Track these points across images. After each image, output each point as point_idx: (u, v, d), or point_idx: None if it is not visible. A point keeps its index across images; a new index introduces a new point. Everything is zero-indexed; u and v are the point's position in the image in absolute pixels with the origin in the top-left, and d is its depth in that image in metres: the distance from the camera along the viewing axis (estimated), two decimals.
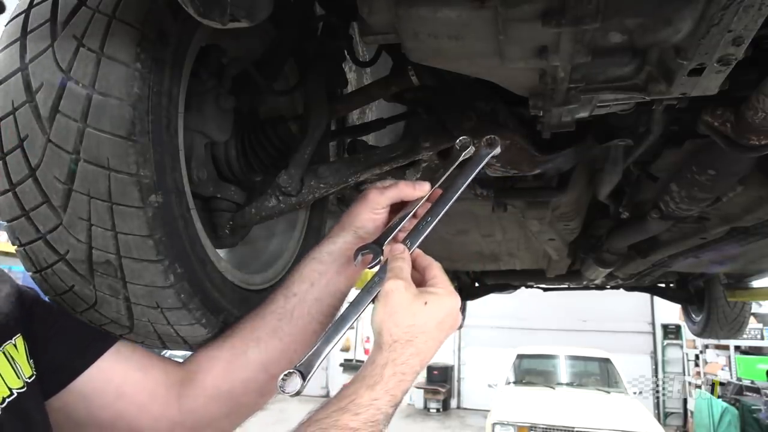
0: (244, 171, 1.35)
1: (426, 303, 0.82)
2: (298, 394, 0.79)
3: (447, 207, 0.98)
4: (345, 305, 0.94)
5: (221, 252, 1.25)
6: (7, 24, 0.94)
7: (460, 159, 1.04)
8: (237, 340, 0.99)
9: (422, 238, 0.95)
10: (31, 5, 0.91)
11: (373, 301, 0.88)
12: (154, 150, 0.91)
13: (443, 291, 0.84)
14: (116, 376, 0.92)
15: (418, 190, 1.00)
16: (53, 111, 0.86)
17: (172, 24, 0.94)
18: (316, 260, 1.03)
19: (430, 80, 1.36)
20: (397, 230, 0.97)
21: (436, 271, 0.88)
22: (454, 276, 5.18)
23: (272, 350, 0.97)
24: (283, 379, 0.81)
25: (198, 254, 1.04)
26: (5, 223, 0.92)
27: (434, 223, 0.96)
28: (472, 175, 1.02)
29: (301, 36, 1.34)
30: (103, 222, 0.89)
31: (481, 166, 1.03)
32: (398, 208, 1.03)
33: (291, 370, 0.81)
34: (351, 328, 0.89)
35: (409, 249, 0.92)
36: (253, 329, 0.99)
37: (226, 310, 1.11)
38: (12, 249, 0.94)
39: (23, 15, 0.91)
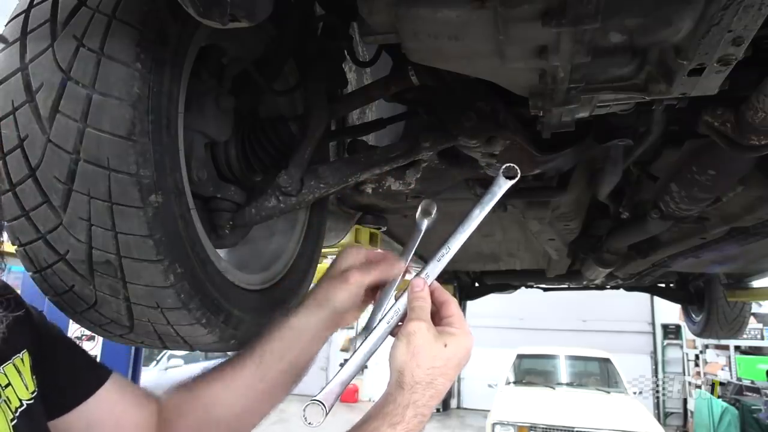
0: (244, 171, 1.35)
1: (446, 345, 0.83)
2: (319, 425, 0.81)
3: (465, 238, 0.96)
4: (359, 339, 0.93)
5: (221, 252, 1.25)
6: (7, 24, 0.94)
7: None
8: (207, 396, 1.01)
9: (440, 270, 0.94)
10: (31, 5, 0.91)
11: (392, 334, 0.89)
12: (154, 150, 0.91)
13: (461, 332, 0.86)
14: (116, 409, 0.96)
15: (397, 268, 1.00)
16: (53, 111, 0.86)
17: (172, 24, 0.94)
18: (290, 331, 1.02)
19: (430, 80, 1.36)
20: (378, 316, 0.95)
21: (453, 308, 0.89)
22: (454, 276, 5.18)
23: (242, 410, 1.01)
24: (304, 410, 0.82)
25: (198, 254, 1.04)
26: (6, 223, 0.92)
27: (452, 254, 0.95)
28: (490, 206, 0.98)
29: (301, 36, 1.34)
30: (103, 222, 0.89)
31: (498, 197, 1.00)
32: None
33: (313, 401, 0.83)
34: (369, 357, 0.90)
35: (428, 282, 0.92)
36: (225, 389, 1.00)
37: (226, 310, 1.11)
38: (12, 249, 0.94)
39: (23, 15, 0.91)
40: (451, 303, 0.90)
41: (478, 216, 0.97)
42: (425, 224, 1.05)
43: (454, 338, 0.85)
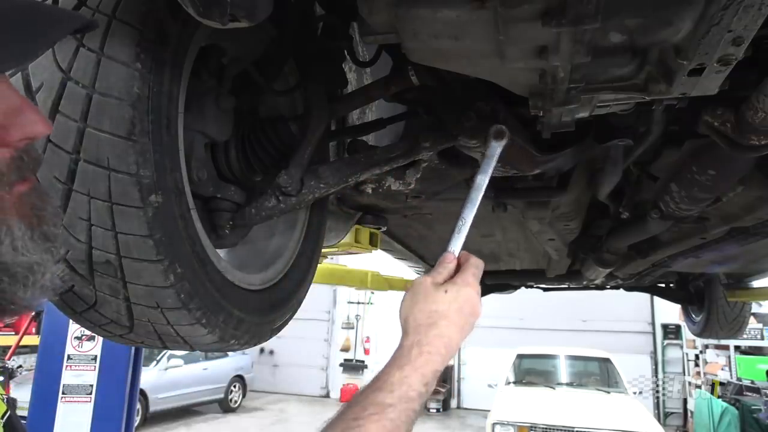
0: (244, 171, 1.35)
1: (446, 291, 0.89)
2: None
3: (475, 208, 1.03)
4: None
5: (221, 252, 1.25)
6: None
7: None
8: None
9: (462, 241, 1.00)
10: None
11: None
12: (154, 150, 0.91)
13: (462, 281, 0.91)
14: None
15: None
16: (53, 111, 0.86)
17: (172, 24, 0.94)
18: None
19: (430, 80, 1.36)
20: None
21: (466, 267, 0.94)
22: None
23: None
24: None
25: (198, 254, 1.04)
26: None
27: (468, 225, 1.01)
28: (490, 172, 1.07)
29: (301, 36, 1.34)
30: (103, 222, 0.89)
31: (496, 158, 1.09)
32: None
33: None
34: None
35: (455, 253, 0.98)
36: None
37: (226, 310, 1.11)
38: None
39: None
40: (468, 263, 0.95)
41: (483, 183, 1.05)
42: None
43: (454, 286, 0.90)
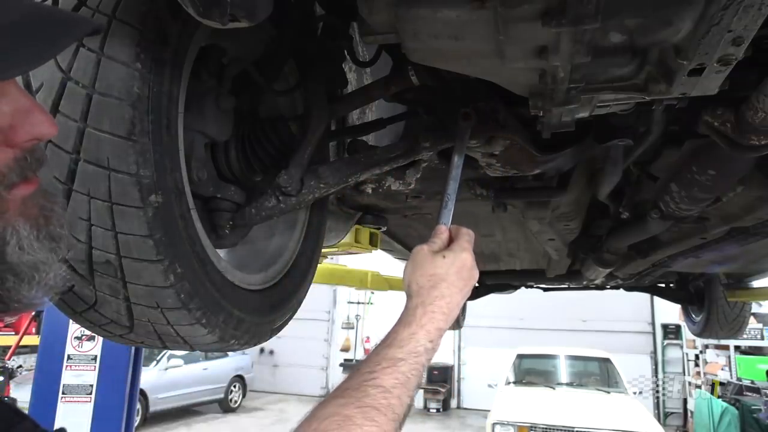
0: (244, 171, 1.35)
1: (444, 257, 0.97)
2: None
3: (456, 184, 1.14)
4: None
5: (221, 252, 1.25)
6: None
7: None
8: None
9: (450, 213, 1.09)
10: None
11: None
12: (154, 150, 0.91)
13: (458, 247, 0.99)
14: None
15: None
16: (53, 111, 0.86)
17: (172, 24, 0.94)
18: None
19: (430, 80, 1.36)
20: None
21: (459, 235, 1.03)
22: None
23: None
24: None
25: (198, 254, 1.04)
26: None
27: (454, 197, 1.12)
28: (464, 148, 1.23)
29: (301, 36, 1.34)
30: (103, 222, 0.89)
31: (467, 138, 1.25)
32: None
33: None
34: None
35: (447, 225, 1.07)
36: None
37: (226, 310, 1.11)
38: None
39: None
40: (461, 232, 1.04)
41: (459, 161, 1.18)
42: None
43: (452, 252, 0.98)
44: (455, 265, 0.96)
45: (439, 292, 0.92)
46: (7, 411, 0.59)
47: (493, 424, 6.94)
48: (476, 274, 1.00)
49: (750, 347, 11.64)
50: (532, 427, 6.79)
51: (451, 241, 1.03)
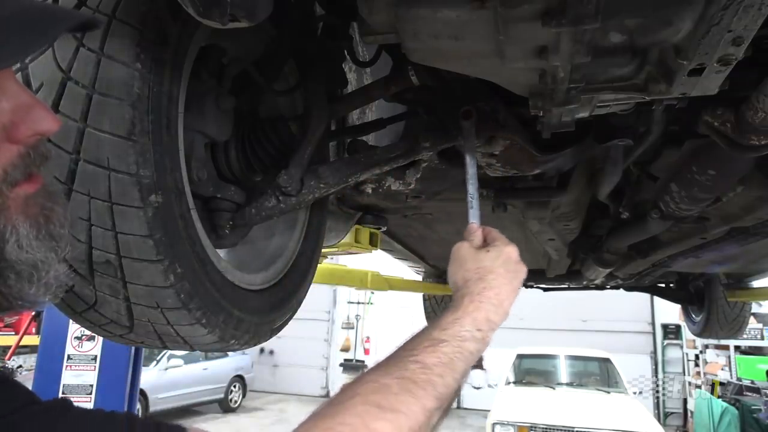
0: (244, 171, 1.35)
1: (488, 251, 0.98)
2: None
3: (476, 183, 1.17)
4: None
5: (221, 252, 1.25)
6: None
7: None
8: None
9: (478, 213, 1.12)
10: None
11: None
12: (154, 150, 0.91)
13: (501, 242, 1.01)
14: None
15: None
16: (53, 111, 0.86)
17: (172, 24, 0.94)
18: None
19: (430, 80, 1.36)
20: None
21: (494, 234, 1.05)
22: None
23: None
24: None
25: (198, 254, 1.04)
26: None
27: (477, 195, 1.15)
28: (472, 146, 1.23)
29: (301, 36, 1.34)
30: (103, 222, 0.89)
31: (473, 135, 1.25)
32: None
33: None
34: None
35: (477, 223, 1.08)
36: None
37: (226, 310, 1.11)
38: None
39: None
40: (493, 231, 1.05)
41: (473, 161, 1.19)
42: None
43: (495, 246, 0.99)
44: (501, 258, 0.96)
45: (487, 284, 0.92)
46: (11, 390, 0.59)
47: (493, 424, 6.94)
48: (524, 269, 1.00)
49: (750, 347, 11.64)
50: (532, 427, 6.79)
51: (487, 236, 1.04)
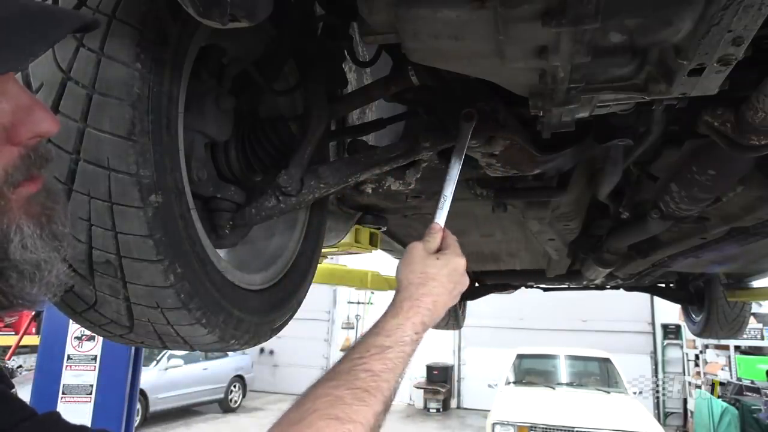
0: (244, 171, 1.35)
1: (438, 258, 1.01)
2: None
3: (454, 185, 1.15)
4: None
5: (221, 252, 1.25)
6: None
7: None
8: None
9: (445, 215, 1.11)
10: None
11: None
12: (154, 150, 0.91)
13: (452, 252, 1.03)
14: None
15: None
16: (53, 111, 0.86)
17: (172, 24, 0.94)
18: None
19: (430, 80, 1.36)
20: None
21: (450, 241, 1.07)
22: None
23: None
24: None
25: (198, 254, 1.04)
26: None
27: (449, 200, 1.13)
28: (463, 151, 1.21)
29: (301, 36, 1.34)
30: (103, 222, 0.89)
31: (468, 138, 1.24)
32: None
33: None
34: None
35: (441, 225, 1.09)
36: None
37: (226, 310, 1.11)
38: None
39: None
40: (449, 237, 1.07)
41: (458, 162, 1.18)
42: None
43: (445, 255, 1.02)
44: (447, 267, 0.99)
45: (428, 290, 0.95)
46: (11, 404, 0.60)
47: (493, 424, 6.95)
48: (466, 281, 1.03)
49: (750, 347, 11.64)
50: (532, 427, 6.80)
51: (443, 241, 1.06)
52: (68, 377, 3.88)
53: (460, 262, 1.02)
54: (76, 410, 3.79)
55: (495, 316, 13.17)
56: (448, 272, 0.99)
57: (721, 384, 10.90)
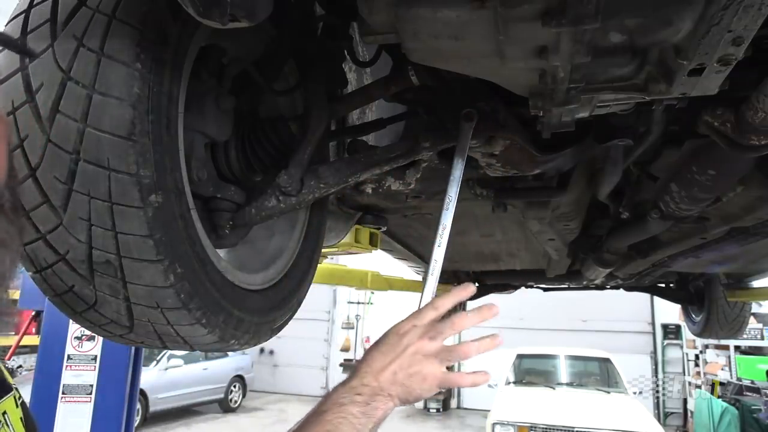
0: (244, 171, 1.35)
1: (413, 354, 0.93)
2: None
3: (459, 181, 1.14)
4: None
5: (221, 252, 1.25)
6: (7, 24, 0.94)
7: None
8: None
9: (452, 216, 1.08)
10: (31, 5, 0.91)
11: None
12: (154, 150, 0.91)
13: (451, 350, 1.01)
14: None
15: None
16: (53, 111, 0.86)
17: (172, 24, 0.94)
18: None
19: (430, 80, 1.36)
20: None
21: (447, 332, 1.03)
22: (454, 276, 5.19)
23: None
24: None
25: (198, 254, 1.04)
26: None
27: (455, 199, 1.11)
28: (466, 148, 1.21)
29: (301, 36, 1.34)
30: (103, 222, 0.89)
31: (469, 137, 1.22)
32: None
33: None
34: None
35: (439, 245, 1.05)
36: None
37: (226, 310, 1.11)
38: None
39: (23, 15, 0.91)
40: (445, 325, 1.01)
41: (460, 163, 1.17)
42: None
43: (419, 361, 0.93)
44: (388, 334, 0.94)
45: (364, 359, 0.92)
46: None
47: (493, 424, 6.94)
48: (429, 389, 0.93)
49: (750, 347, 11.64)
50: (532, 427, 6.79)
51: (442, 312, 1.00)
52: (68, 377, 3.87)
53: (434, 370, 0.94)
54: (76, 410, 3.79)
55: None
56: (383, 336, 0.94)
57: (721, 384, 10.89)
